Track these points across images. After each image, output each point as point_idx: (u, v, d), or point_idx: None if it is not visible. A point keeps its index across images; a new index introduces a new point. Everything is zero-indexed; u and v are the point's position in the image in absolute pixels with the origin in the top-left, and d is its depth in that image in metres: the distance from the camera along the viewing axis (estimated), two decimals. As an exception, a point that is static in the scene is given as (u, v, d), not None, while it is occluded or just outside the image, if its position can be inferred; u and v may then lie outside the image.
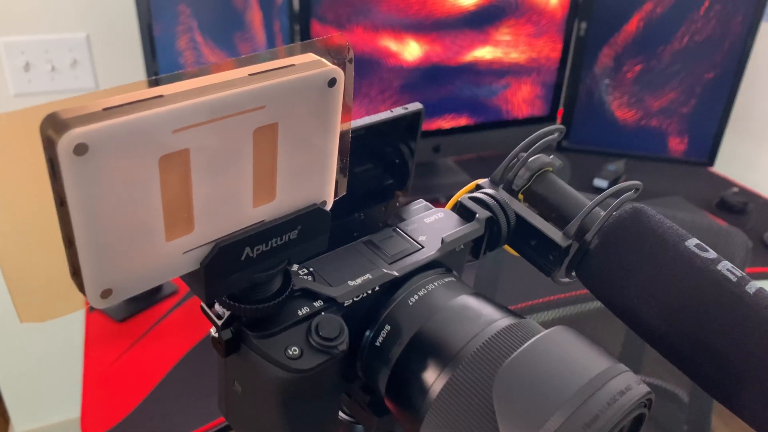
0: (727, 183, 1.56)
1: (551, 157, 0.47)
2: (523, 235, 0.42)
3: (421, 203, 0.42)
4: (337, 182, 0.31)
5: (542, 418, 0.29)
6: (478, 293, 0.37)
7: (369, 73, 1.24)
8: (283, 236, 0.30)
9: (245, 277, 0.29)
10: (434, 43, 1.26)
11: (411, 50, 1.25)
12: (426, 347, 0.34)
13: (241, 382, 0.34)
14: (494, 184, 0.44)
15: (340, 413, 0.45)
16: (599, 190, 0.71)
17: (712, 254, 0.39)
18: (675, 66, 1.38)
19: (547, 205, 0.45)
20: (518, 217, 0.42)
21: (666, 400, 1.07)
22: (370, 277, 0.35)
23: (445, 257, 0.38)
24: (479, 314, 0.34)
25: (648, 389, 0.32)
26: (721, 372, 0.37)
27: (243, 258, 0.29)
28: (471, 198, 0.42)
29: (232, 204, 0.27)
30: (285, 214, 0.29)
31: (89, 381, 1.01)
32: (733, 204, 1.42)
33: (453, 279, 0.38)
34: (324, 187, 0.30)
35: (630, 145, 1.47)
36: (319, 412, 0.36)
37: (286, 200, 0.29)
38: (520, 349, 0.31)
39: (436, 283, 0.37)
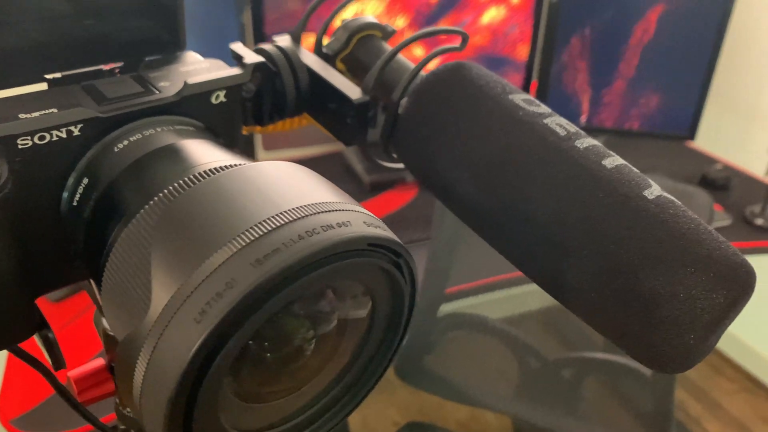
0: (710, 159, 1.45)
1: (385, 24, 0.38)
2: (322, 98, 0.33)
3: (189, 53, 0.33)
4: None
5: (197, 260, 0.20)
6: (221, 142, 0.28)
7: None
8: None
9: None
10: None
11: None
12: (115, 198, 0.25)
13: None
14: (295, 41, 0.35)
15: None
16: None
17: (542, 108, 0.30)
18: (652, 36, 1.28)
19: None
20: (313, 75, 0.33)
21: (629, 379, 0.97)
22: (56, 111, 0.27)
23: (192, 107, 0.29)
24: (190, 156, 0.26)
25: (392, 237, 0.22)
26: (540, 246, 0.28)
27: None
28: (254, 50, 0.33)
29: None
30: None
31: (13, 362, 0.92)
32: (716, 179, 1.31)
33: (191, 128, 0.29)
34: None
35: (609, 119, 1.37)
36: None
37: None
38: (200, 183, 0.22)
39: (159, 129, 0.28)
